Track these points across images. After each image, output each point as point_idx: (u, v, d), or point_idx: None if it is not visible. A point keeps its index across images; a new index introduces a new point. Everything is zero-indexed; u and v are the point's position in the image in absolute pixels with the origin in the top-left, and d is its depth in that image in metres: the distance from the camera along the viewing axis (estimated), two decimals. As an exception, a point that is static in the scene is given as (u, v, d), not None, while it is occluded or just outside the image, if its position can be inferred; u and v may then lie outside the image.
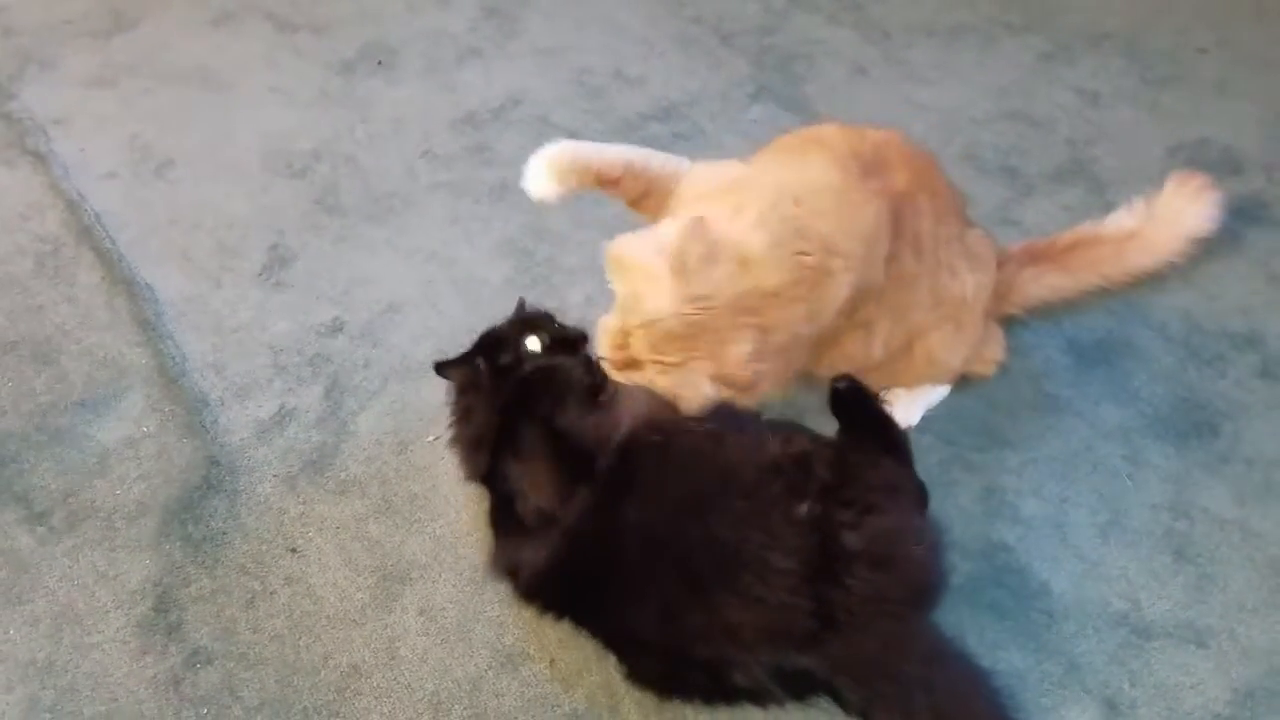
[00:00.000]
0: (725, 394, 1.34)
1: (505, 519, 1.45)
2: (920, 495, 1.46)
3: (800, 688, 1.30)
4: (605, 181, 1.48)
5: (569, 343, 1.53)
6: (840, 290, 1.35)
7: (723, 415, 1.38)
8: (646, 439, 1.36)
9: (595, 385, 1.45)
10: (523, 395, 1.46)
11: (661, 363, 1.32)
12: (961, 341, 1.59)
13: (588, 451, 1.38)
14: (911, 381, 1.66)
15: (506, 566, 1.44)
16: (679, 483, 1.33)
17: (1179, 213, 1.81)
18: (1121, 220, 1.80)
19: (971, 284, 1.54)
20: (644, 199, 1.50)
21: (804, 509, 1.27)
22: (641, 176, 1.49)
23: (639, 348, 1.33)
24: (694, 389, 1.34)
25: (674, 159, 1.52)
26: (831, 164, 1.41)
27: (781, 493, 1.28)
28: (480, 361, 1.52)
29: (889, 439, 1.43)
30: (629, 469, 1.35)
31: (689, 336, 1.30)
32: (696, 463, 1.34)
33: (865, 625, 1.23)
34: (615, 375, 1.38)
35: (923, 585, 1.30)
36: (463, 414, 1.53)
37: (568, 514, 1.36)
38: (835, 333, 1.43)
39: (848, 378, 1.42)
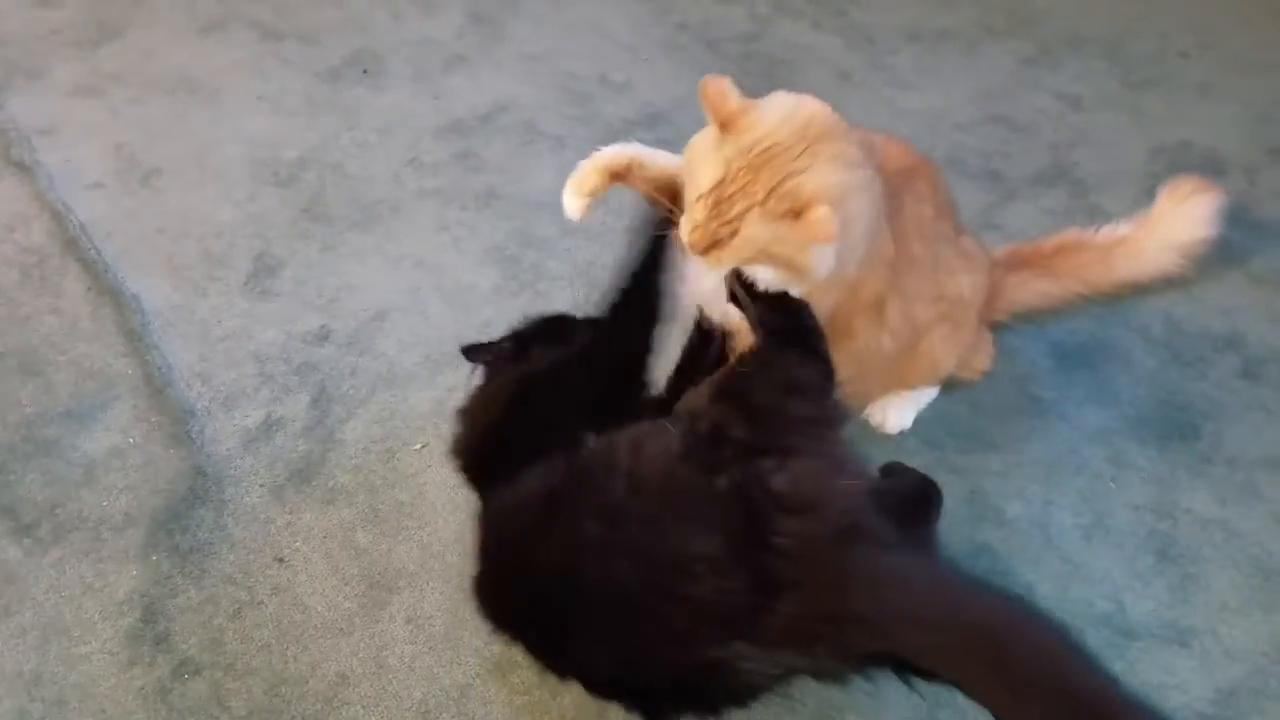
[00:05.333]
0: (809, 245, 1.24)
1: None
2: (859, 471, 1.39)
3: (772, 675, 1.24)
4: (616, 175, 1.45)
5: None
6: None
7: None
8: (587, 454, 1.31)
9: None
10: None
11: (735, 219, 1.24)
12: (958, 342, 1.60)
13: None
14: (913, 381, 1.67)
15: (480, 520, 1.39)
16: (597, 496, 1.26)
17: (1171, 217, 1.80)
18: (1112, 228, 1.80)
19: (968, 284, 1.55)
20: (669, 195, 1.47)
21: (723, 481, 1.21)
22: (650, 170, 1.46)
23: (704, 223, 1.26)
24: (765, 250, 1.26)
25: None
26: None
27: (696, 475, 1.22)
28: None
29: (796, 318, 1.36)
30: (569, 490, 1.29)
31: (751, 177, 1.23)
32: (611, 471, 1.27)
33: (808, 577, 1.16)
34: (704, 263, 1.31)
35: (850, 523, 1.20)
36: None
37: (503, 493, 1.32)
38: (848, 314, 1.42)
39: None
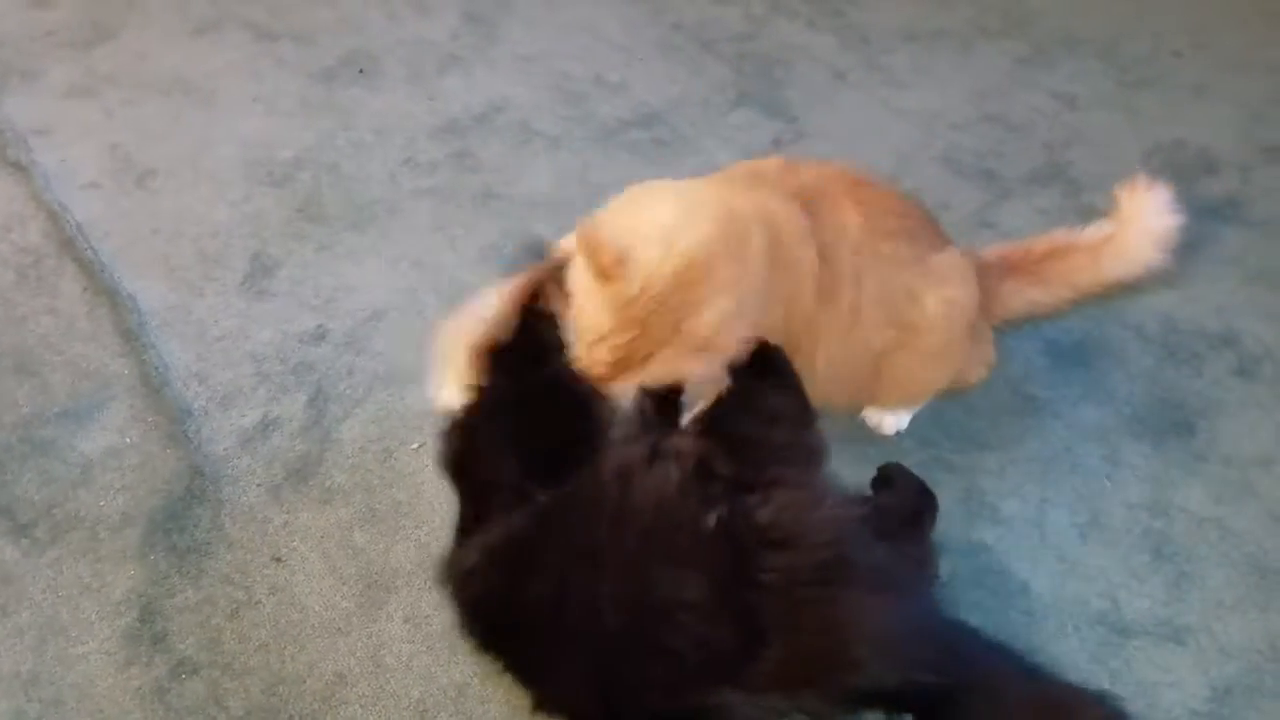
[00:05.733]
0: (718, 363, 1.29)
1: (466, 514, 1.36)
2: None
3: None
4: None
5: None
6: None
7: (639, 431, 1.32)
8: (592, 474, 1.27)
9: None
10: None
11: (634, 367, 1.29)
12: (930, 369, 1.58)
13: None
14: (885, 402, 1.67)
15: (446, 572, 1.34)
16: (592, 529, 1.23)
17: (1135, 215, 1.82)
18: (1097, 228, 1.81)
19: (935, 303, 1.51)
20: None
21: (711, 520, 1.18)
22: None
23: (608, 361, 1.29)
24: (683, 371, 1.30)
25: None
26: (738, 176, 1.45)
27: (690, 514, 1.19)
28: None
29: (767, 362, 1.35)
30: (573, 498, 1.26)
31: (646, 326, 1.26)
32: (595, 511, 1.23)
33: (795, 621, 1.15)
34: (611, 389, 1.32)
35: (835, 555, 1.18)
36: None
37: (506, 522, 1.27)
38: (792, 332, 1.42)
39: None
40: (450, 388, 1.39)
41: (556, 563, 1.22)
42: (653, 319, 1.26)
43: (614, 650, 1.19)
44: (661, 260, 1.26)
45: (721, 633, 1.15)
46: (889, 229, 1.50)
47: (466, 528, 1.35)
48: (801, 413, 1.34)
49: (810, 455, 1.32)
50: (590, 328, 1.29)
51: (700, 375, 1.32)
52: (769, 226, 1.36)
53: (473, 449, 1.37)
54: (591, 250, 1.26)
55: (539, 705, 1.28)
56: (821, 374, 1.49)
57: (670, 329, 1.27)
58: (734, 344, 1.28)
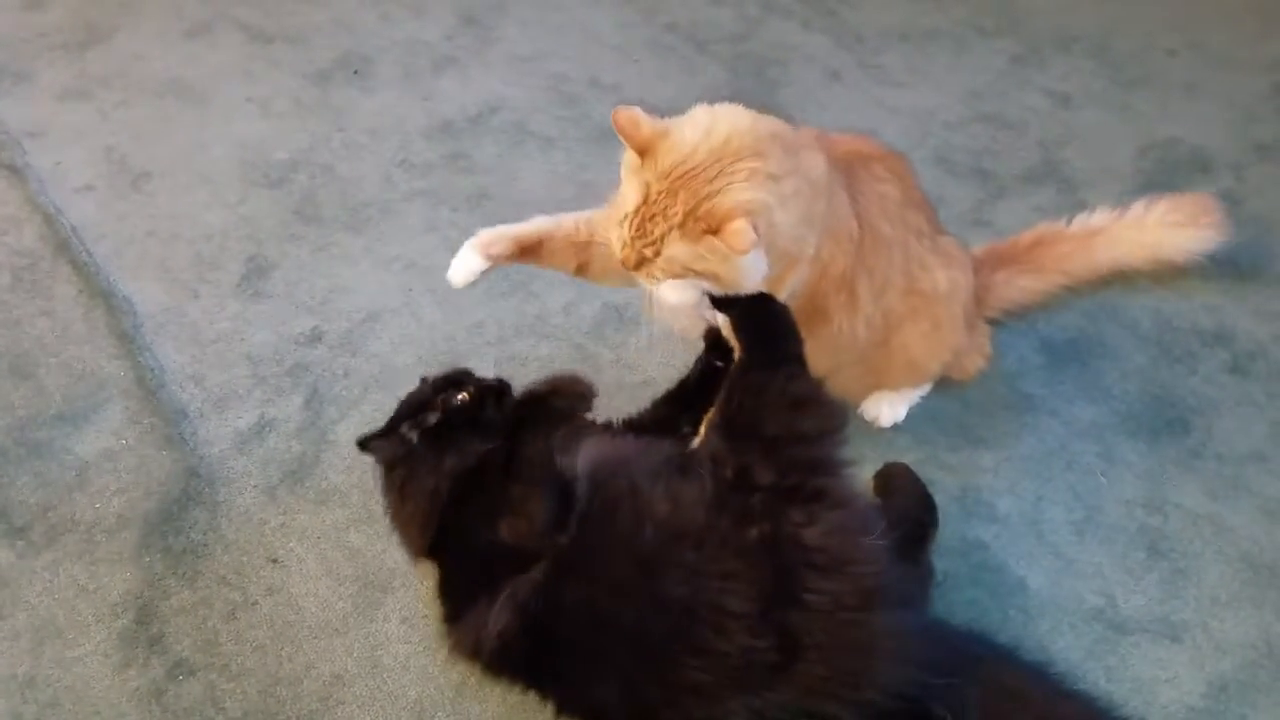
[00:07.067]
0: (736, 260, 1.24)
1: (462, 588, 1.36)
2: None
3: None
4: (526, 249, 1.47)
5: (494, 392, 1.44)
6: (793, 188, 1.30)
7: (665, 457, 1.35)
8: (601, 497, 1.30)
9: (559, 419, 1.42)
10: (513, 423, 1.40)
11: (656, 240, 1.25)
12: (939, 342, 1.60)
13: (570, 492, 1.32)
14: (893, 382, 1.67)
15: (471, 643, 1.33)
16: (626, 542, 1.26)
17: (1164, 232, 1.83)
18: (1085, 219, 1.83)
19: (944, 280, 1.54)
20: (586, 266, 1.49)
21: (754, 533, 1.21)
22: (568, 240, 1.48)
23: (629, 242, 1.27)
24: (688, 265, 1.26)
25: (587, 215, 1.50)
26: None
27: (729, 527, 1.22)
28: (407, 430, 1.40)
29: (773, 321, 1.35)
30: (589, 525, 1.28)
31: (669, 203, 1.23)
32: (642, 518, 1.26)
33: (832, 640, 1.18)
34: (638, 278, 1.31)
35: (875, 584, 1.22)
36: (399, 489, 1.42)
37: (537, 570, 1.28)
38: (822, 296, 1.42)
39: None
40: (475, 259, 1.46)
41: (599, 564, 1.25)
42: (678, 194, 1.23)
43: (656, 654, 1.21)
44: (705, 134, 1.25)
45: (763, 643, 1.18)
46: (913, 200, 1.53)
47: (463, 596, 1.35)
48: (816, 391, 1.34)
49: (838, 434, 1.32)
50: (623, 203, 1.28)
51: (706, 280, 1.28)
52: (829, 162, 1.36)
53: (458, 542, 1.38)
54: (629, 126, 1.26)
55: (561, 710, 1.31)
56: (849, 346, 1.50)
57: (688, 210, 1.23)
58: (742, 243, 1.19)
